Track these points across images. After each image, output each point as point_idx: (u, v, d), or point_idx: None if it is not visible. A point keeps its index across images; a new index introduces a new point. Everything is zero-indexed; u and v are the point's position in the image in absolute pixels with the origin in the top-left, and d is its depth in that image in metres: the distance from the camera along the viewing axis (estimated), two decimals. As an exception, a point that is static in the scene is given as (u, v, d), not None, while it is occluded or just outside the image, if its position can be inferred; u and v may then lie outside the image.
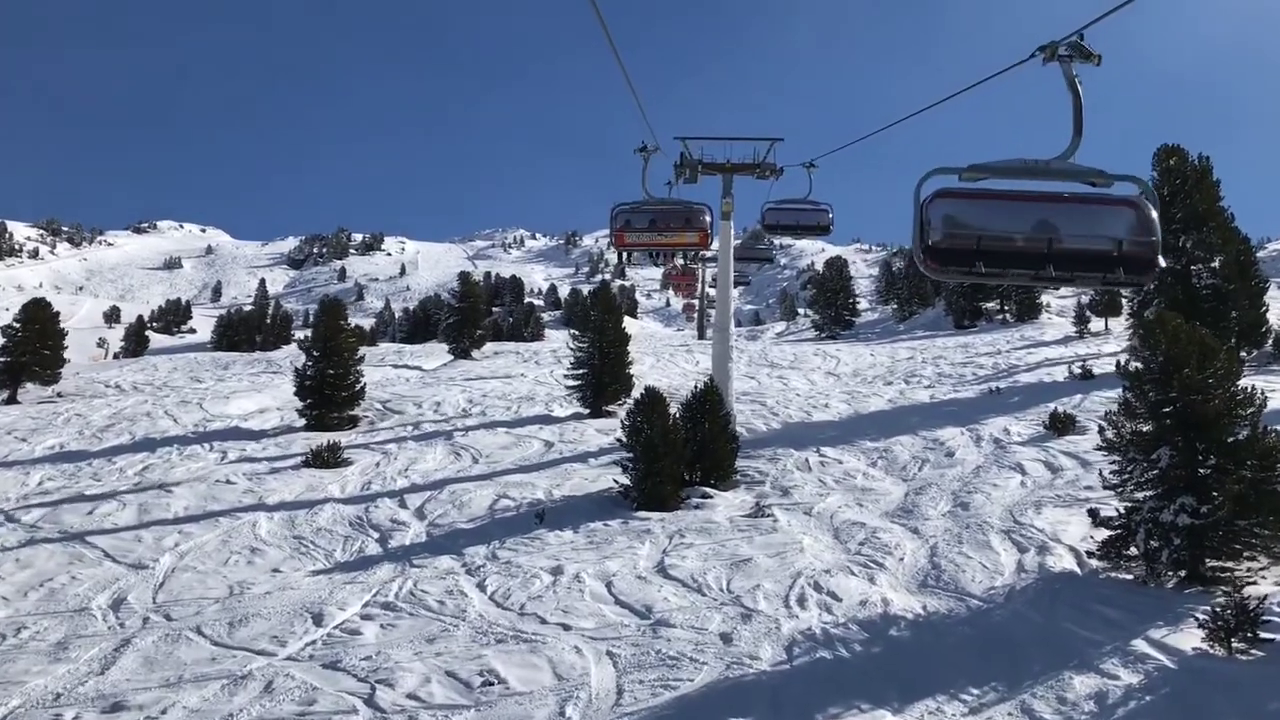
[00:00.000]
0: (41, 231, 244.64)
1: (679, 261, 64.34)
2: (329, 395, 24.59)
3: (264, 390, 30.24)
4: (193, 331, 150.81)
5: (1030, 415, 21.26)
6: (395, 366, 38.91)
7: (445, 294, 71.72)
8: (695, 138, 21.27)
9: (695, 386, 18.01)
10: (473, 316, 42.23)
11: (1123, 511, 12.51)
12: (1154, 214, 7.23)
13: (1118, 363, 18.39)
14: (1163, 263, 7.55)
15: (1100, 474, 13.34)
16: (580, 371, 24.26)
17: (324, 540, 15.31)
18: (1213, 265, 25.31)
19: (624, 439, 16.57)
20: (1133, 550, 12.30)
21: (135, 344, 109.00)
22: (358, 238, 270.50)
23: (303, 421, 24.61)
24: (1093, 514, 12.95)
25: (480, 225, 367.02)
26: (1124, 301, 42.05)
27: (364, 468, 19.40)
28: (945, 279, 7.57)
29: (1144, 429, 12.85)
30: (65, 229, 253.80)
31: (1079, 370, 25.36)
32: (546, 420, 23.77)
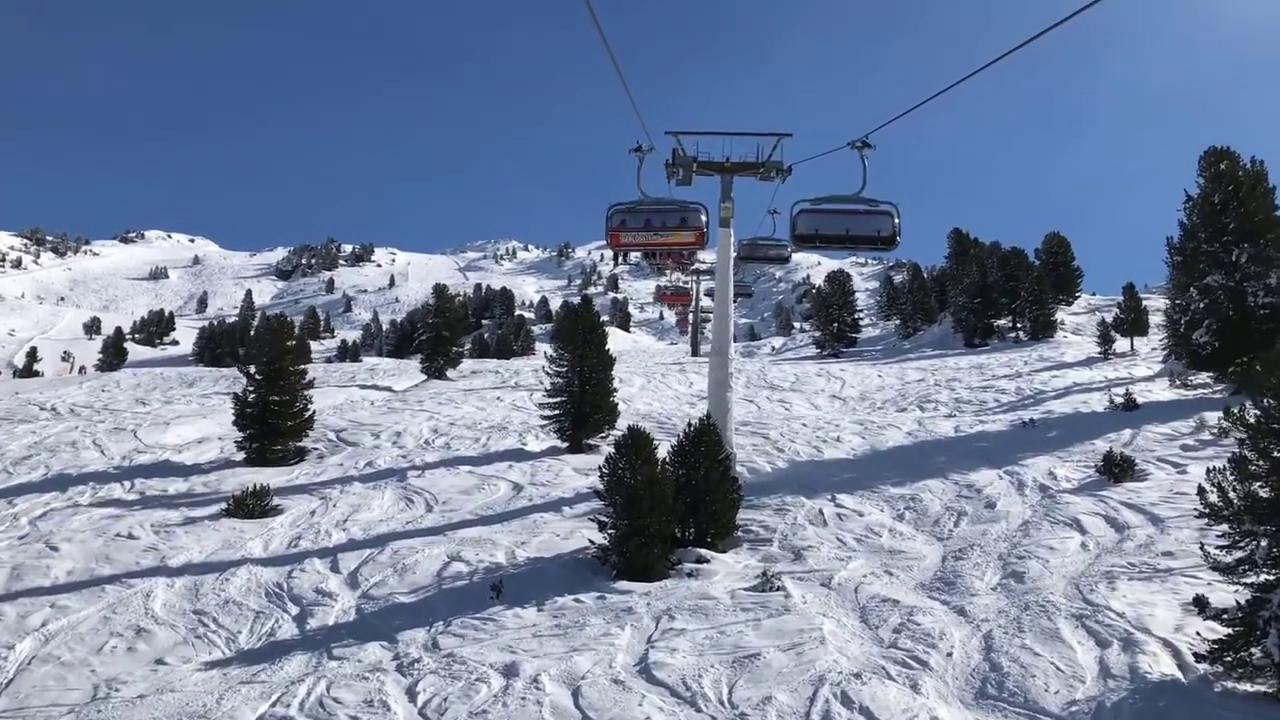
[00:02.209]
0: (25, 241, 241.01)
1: (672, 277, 61.65)
2: (273, 425, 21.65)
3: (210, 415, 27.26)
4: (175, 344, 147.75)
5: (1076, 455, 18.42)
6: (363, 387, 35.93)
7: (424, 304, 68.39)
8: (689, 132, 18.45)
9: (690, 424, 15.11)
10: (449, 333, 39.25)
11: (1243, 604, 9.66)
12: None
13: (1226, 409, 15.58)
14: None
15: (1203, 551, 10.45)
16: (558, 400, 21.31)
17: (229, 618, 12.38)
18: (1269, 281, 22.53)
19: (601, 490, 13.68)
20: (1257, 652, 9.47)
21: (113, 356, 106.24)
22: (347, 248, 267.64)
23: (242, 455, 21.67)
24: (1200, 603, 10.07)
25: (472, 236, 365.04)
26: (1151, 320, 39.43)
27: (295, 518, 16.43)
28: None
29: (1262, 493, 10.04)
30: (50, 238, 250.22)
31: (1121, 400, 22.55)
32: (518, 456, 20.82)
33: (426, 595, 12.88)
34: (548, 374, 22.06)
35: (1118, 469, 16.43)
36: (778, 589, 12.48)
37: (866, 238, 15.48)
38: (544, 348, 78.23)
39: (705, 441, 14.66)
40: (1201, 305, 22.95)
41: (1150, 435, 19.25)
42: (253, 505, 16.25)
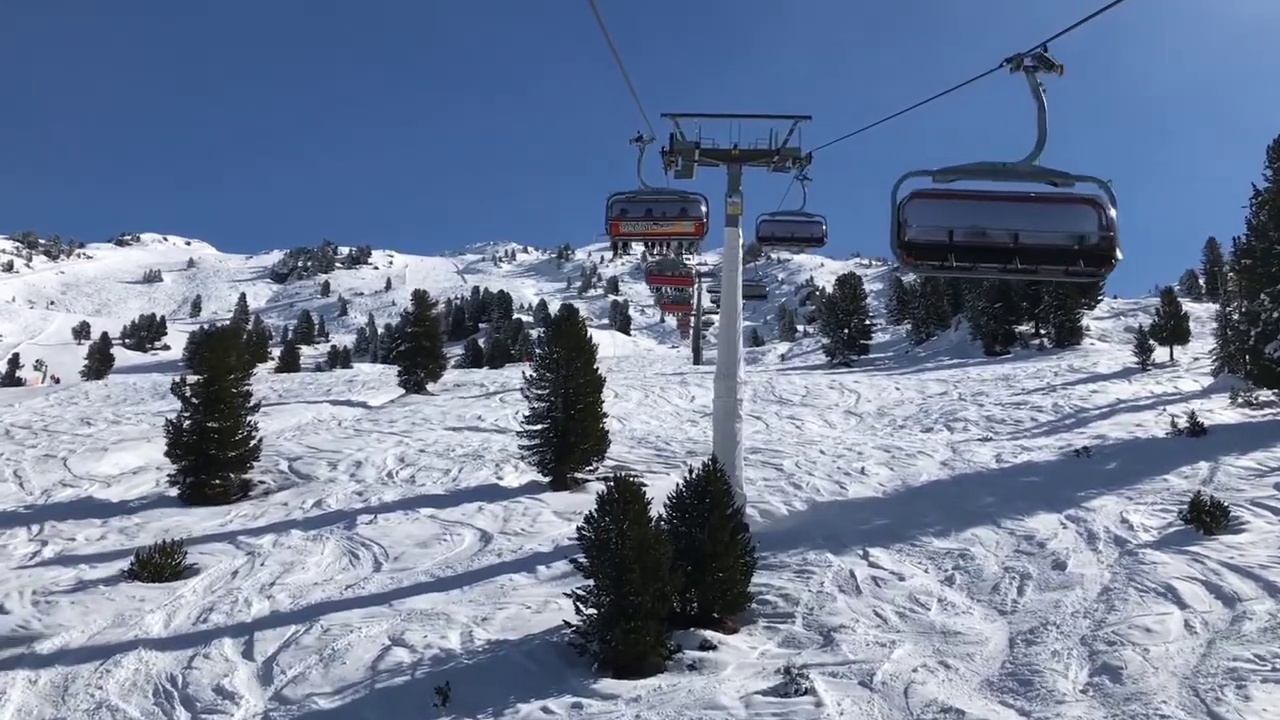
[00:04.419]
0: (17, 244, 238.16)
1: (669, 290, 58.97)
2: (213, 455, 18.85)
3: (156, 439, 24.37)
4: (166, 348, 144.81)
5: (1147, 494, 15.58)
6: (335, 403, 33.05)
7: (401, 312, 65.30)
8: (690, 115, 15.69)
9: (691, 469, 12.27)
10: (429, 343, 36.37)
11: None
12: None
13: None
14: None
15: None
16: (538, 428, 18.42)
17: (97, 731, 9.56)
18: (1355, 288, 19.69)
19: (580, 560, 10.85)
20: None
21: (99, 363, 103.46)
22: (344, 251, 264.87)
23: (177, 490, 18.89)
24: None
25: (471, 238, 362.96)
26: (1191, 326, 36.62)
27: (213, 580, 13.57)
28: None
29: None
30: (42, 241, 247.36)
31: (1185, 423, 19.69)
32: (492, 494, 17.93)
33: (354, 697, 10.04)
34: (526, 397, 19.20)
35: (1208, 517, 13.58)
36: (805, 691, 9.64)
37: (1051, 250, 7.67)
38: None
39: (711, 490, 11.85)
40: (1275, 315, 20.12)
41: (1232, 470, 16.40)
42: (161, 564, 13.41)
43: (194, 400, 19.00)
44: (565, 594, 11.13)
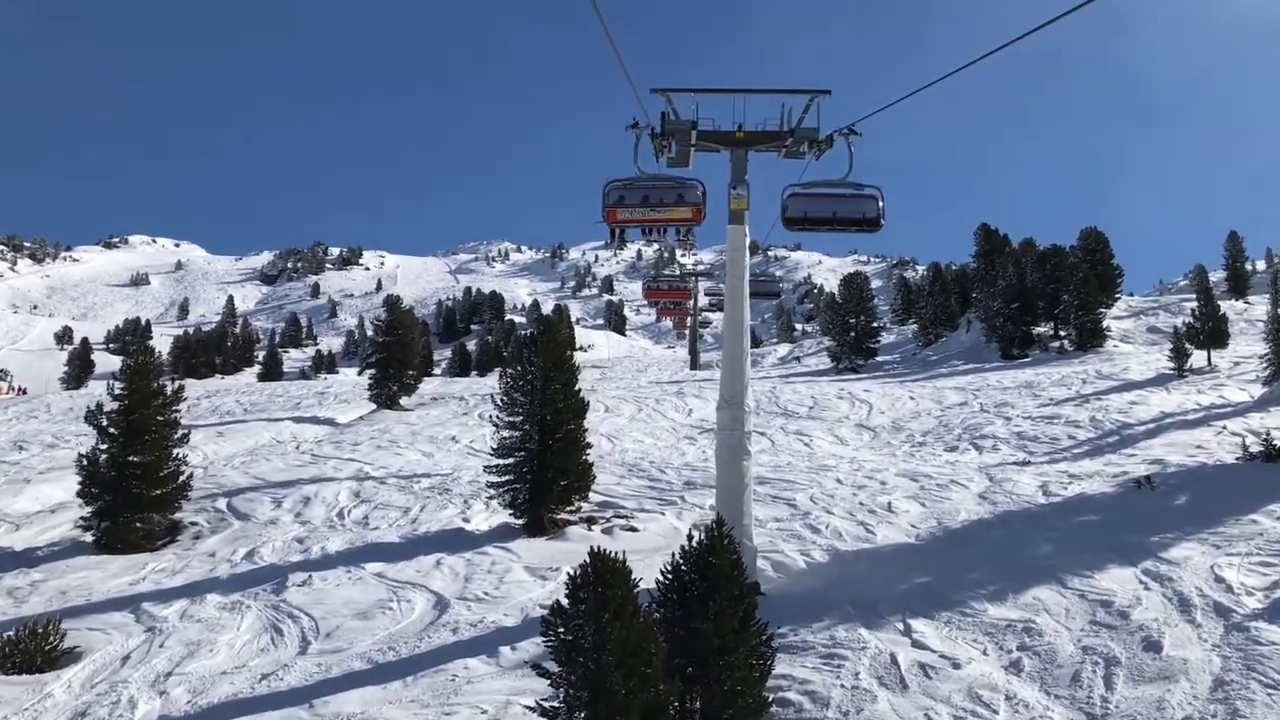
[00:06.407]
0: (1, 247, 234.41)
1: (665, 296, 56.79)
2: (135, 494, 16.24)
3: (87, 468, 21.72)
4: (151, 353, 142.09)
5: (1236, 540, 12.99)
6: (299, 420, 30.35)
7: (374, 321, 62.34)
8: (685, 90, 13.15)
9: (690, 534, 9.65)
10: (402, 354, 33.65)
11: None
12: None
13: None
14: None
15: None
16: (510, 461, 15.76)
17: None
18: None
19: (548, 668, 8.24)
20: None
21: (79, 369, 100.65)
22: (335, 251, 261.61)
23: (92, 535, 16.26)
24: None
25: (464, 237, 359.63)
26: (1229, 328, 34.09)
27: (95, 670, 10.91)
28: None
29: None
30: (27, 244, 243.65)
31: (1259, 445, 17.15)
32: (455, 541, 15.25)
33: None
34: (496, 425, 16.55)
35: (1329, 578, 11.00)
36: None
37: None
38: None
39: (716, 562, 9.23)
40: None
41: (1331, 508, 13.82)
42: (31, 652, 10.77)
43: (112, 431, 16.37)
44: (528, 706, 8.51)
